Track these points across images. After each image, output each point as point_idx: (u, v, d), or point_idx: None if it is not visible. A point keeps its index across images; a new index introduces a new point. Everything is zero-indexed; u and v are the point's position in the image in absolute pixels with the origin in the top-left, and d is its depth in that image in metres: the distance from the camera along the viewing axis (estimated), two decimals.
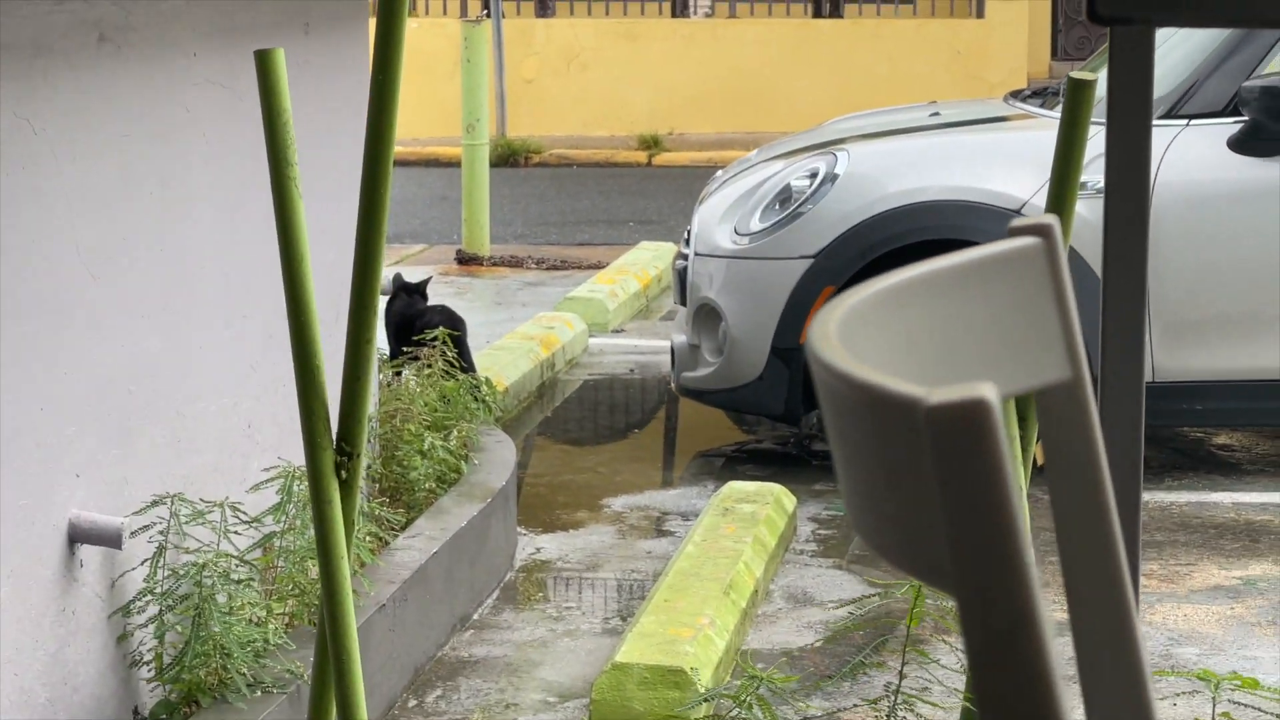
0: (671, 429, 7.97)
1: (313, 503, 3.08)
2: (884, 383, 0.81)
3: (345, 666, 3.07)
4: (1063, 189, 3.02)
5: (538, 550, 6.27)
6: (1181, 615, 5.62)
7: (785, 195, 7.06)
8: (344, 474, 3.12)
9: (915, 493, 0.84)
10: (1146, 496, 6.74)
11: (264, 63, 2.99)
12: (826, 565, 6.12)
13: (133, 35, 4.38)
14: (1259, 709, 4.17)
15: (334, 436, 3.07)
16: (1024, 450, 3.18)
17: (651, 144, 16.98)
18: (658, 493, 6.93)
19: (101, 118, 4.25)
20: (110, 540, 4.18)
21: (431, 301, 7.28)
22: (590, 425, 8.09)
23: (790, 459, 7.37)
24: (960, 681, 4.47)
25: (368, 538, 5.14)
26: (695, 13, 19.38)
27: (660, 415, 8.21)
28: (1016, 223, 1.10)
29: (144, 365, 4.45)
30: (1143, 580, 5.88)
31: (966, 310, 0.99)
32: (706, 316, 7.11)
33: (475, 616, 5.64)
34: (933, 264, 1.01)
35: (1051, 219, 1.10)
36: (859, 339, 0.88)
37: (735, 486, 6.40)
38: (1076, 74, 3.02)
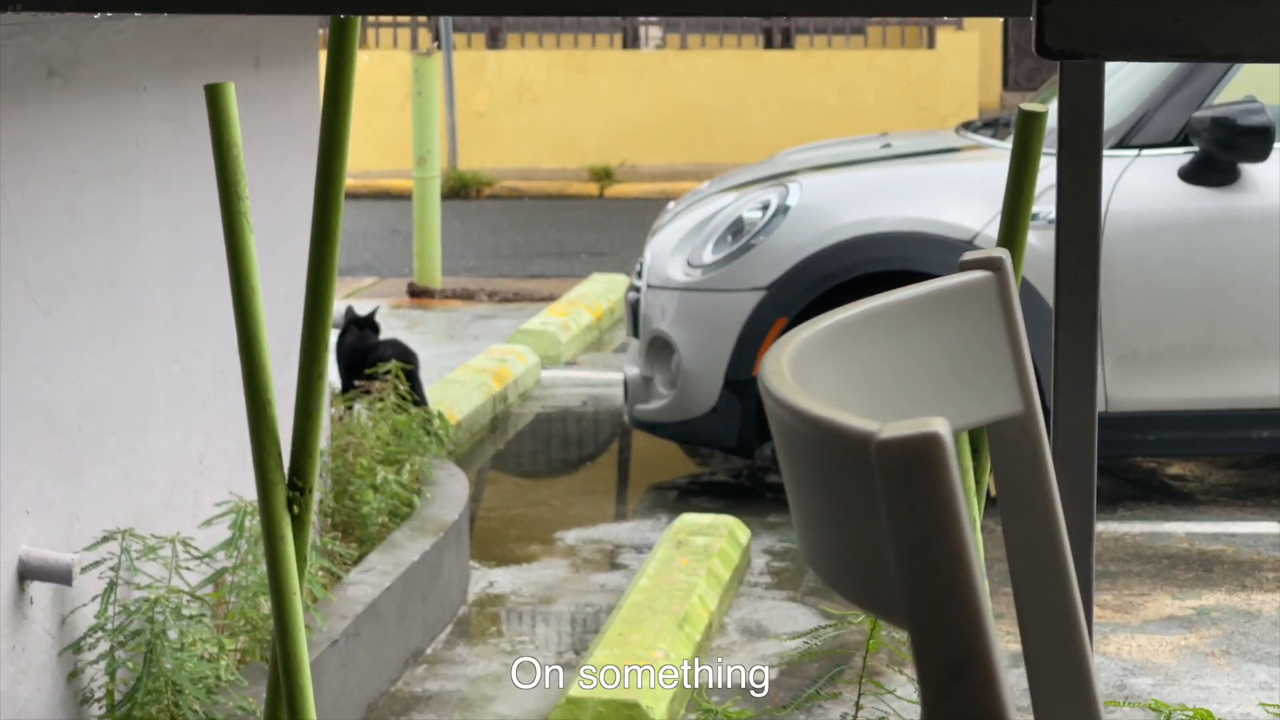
0: (624, 461, 7.97)
1: (264, 538, 3.08)
2: (835, 417, 0.82)
3: (298, 703, 3.07)
4: (1014, 220, 3.04)
5: (491, 584, 6.26)
6: (1135, 646, 5.64)
7: (738, 227, 7.08)
8: (296, 509, 3.12)
9: (866, 526, 0.85)
10: (1100, 527, 6.77)
11: (214, 96, 2.99)
12: (781, 598, 6.13)
13: (82, 69, 4.37)
14: None
15: (286, 471, 3.07)
16: (977, 482, 3.19)
17: (603, 176, 17.01)
18: (611, 526, 6.93)
19: (50, 152, 4.24)
20: (60, 577, 4.17)
21: (383, 335, 7.28)
22: (543, 458, 8.09)
23: (744, 491, 7.38)
24: (916, 712, 4.48)
25: (320, 572, 5.13)
26: (646, 44, 19.43)
27: (613, 448, 8.22)
28: (967, 256, 1.11)
29: (93, 400, 4.44)
30: (1097, 611, 5.90)
31: (919, 344, 1.00)
32: (659, 349, 7.12)
33: (429, 651, 5.63)
34: (885, 298, 1.02)
35: (1002, 253, 1.11)
36: (811, 373, 0.89)
37: (689, 519, 6.41)
38: (1027, 105, 3.04)
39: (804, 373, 0.87)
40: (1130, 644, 5.65)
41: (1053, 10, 1.16)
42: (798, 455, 0.86)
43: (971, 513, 3.21)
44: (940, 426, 0.79)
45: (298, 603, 3.12)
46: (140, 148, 4.67)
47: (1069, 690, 1.41)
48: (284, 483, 3.10)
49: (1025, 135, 3.06)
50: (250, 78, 5.25)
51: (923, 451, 0.80)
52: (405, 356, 6.89)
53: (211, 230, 5.09)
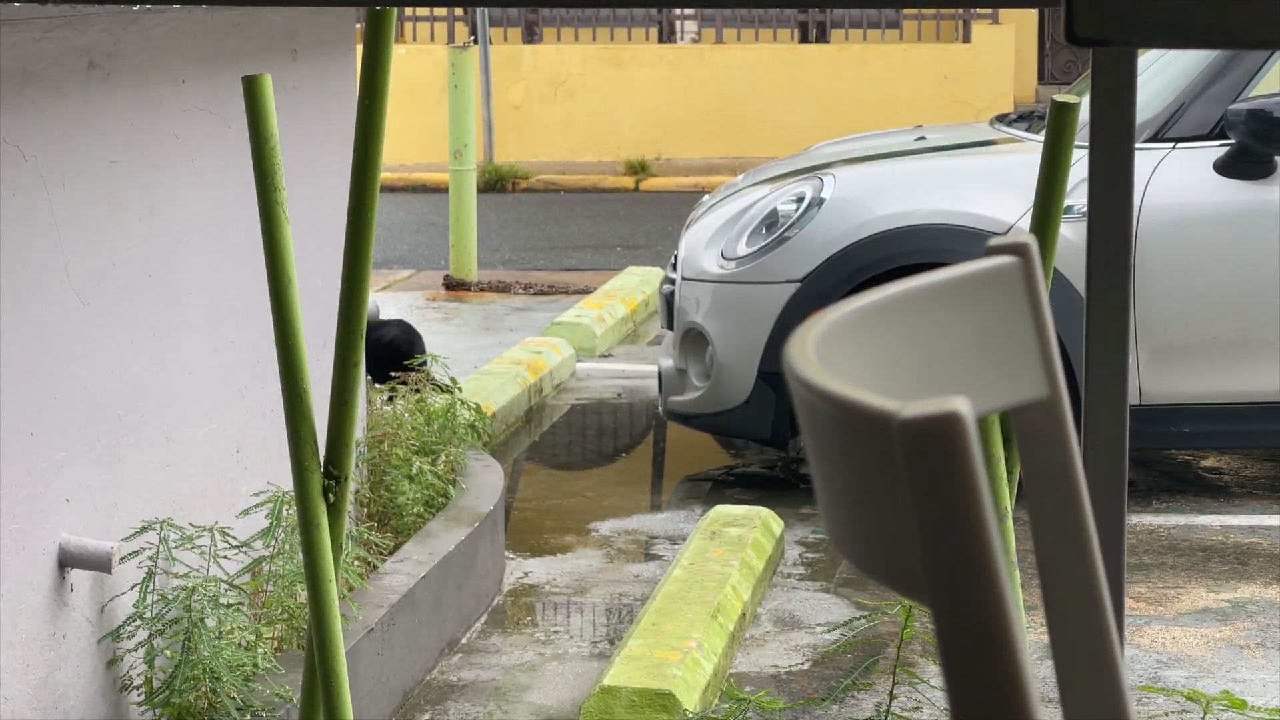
0: (659, 453, 7.99)
1: (300, 526, 3.11)
2: (857, 396, 0.84)
3: (334, 691, 3.10)
4: (1046, 212, 3.06)
5: (525, 574, 6.29)
6: (1170, 638, 5.64)
7: (772, 220, 7.09)
8: (331, 497, 3.14)
9: (889, 505, 0.87)
10: (1135, 519, 6.77)
11: (252, 88, 3.02)
12: (814, 588, 6.15)
13: (121, 62, 4.41)
14: None
15: (322, 460, 3.10)
16: (1009, 471, 3.20)
17: (639, 169, 17.02)
18: (645, 517, 6.95)
19: (91, 144, 4.28)
20: (100, 565, 4.21)
21: (421, 328, 7.31)
22: (578, 450, 8.11)
23: (778, 482, 7.40)
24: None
25: (356, 562, 5.17)
26: (682, 38, 19.43)
27: (648, 439, 8.24)
28: (994, 242, 1.13)
29: (133, 390, 4.48)
30: (1131, 603, 5.92)
31: (944, 328, 1.02)
32: (694, 341, 7.14)
33: (463, 640, 5.66)
34: (911, 282, 1.04)
35: (1029, 237, 1.13)
36: (837, 355, 0.90)
37: (722, 510, 6.43)
38: (1060, 97, 3.06)
39: (830, 354, 0.89)
40: (1165, 636, 5.66)
41: None
42: (821, 435, 0.88)
43: (1003, 503, 3.23)
44: (961, 405, 0.81)
45: (333, 590, 3.15)
46: (179, 140, 4.71)
47: (1095, 678, 1.42)
48: (319, 471, 3.13)
49: (1058, 127, 3.08)
50: (288, 70, 5.28)
51: (944, 430, 0.81)
52: (409, 334, 6.93)
53: (248, 223, 5.12)
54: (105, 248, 4.34)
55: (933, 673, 4.85)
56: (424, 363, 6.60)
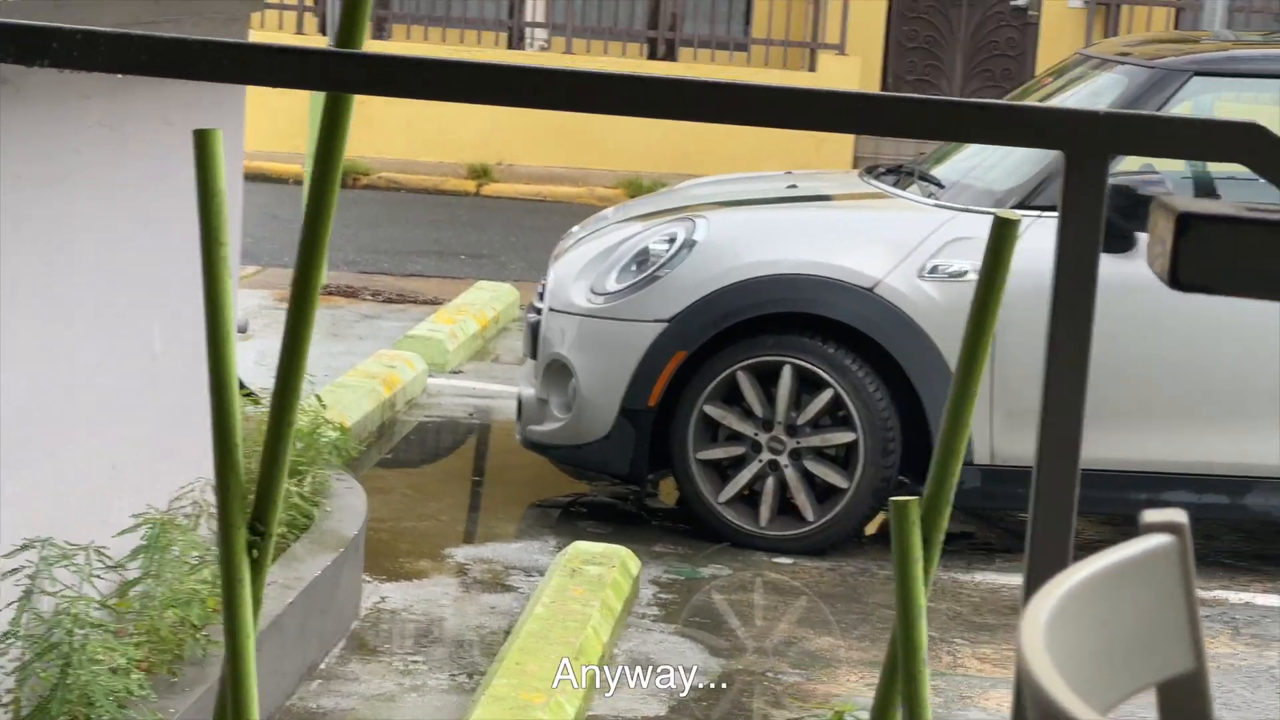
0: (511, 477, 8.00)
1: (223, 580, 3.10)
2: None
3: None
4: (981, 324, 3.13)
5: (383, 599, 6.29)
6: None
7: (643, 258, 7.15)
8: (255, 553, 3.15)
9: None
10: (980, 578, 6.92)
11: (202, 142, 3.01)
12: (669, 630, 6.21)
13: (32, 77, 4.36)
14: None
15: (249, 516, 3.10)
16: (927, 567, 3.25)
17: (480, 174, 17.02)
18: (499, 545, 6.98)
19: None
20: None
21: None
22: (430, 470, 8.11)
23: (629, 516, 7.45)
24: None
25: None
26: (531, 45, 19.43)
27: (499, 462, 8.26)
28: (1150, 518, 1.17)
29: (17, 408, 4.43)
30: (977, 664, 6.04)
31: (1118, 611, 1.06)
32: (557, 372, 7.18)
33: (322, 666, 5.66)
34: (1088, 569, 1.08)
35: (1182, 516, 1.18)
36: (1060, 643, 0.94)
37: (581, 547, 6.47)
38: (1002, 213, 3.13)
39: (1052, 645, 0.93)
40: (1009, 700, 5.77)
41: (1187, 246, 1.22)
42: None
43: (919, 599, 3.28)
44: None
45: (251, 645, 3.15)
46: (80, 155, 4.67)
47: None
48: (245, 527, 3.13)
49: (998, 244, 3.16)
50: (181, 86, 5.25)
51: None
52: None
53: (138, 241, 5.10)
54: (6, 264, 4.29)
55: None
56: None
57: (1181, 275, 1.05)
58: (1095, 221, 2.72)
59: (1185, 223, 1.06)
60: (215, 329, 3.06)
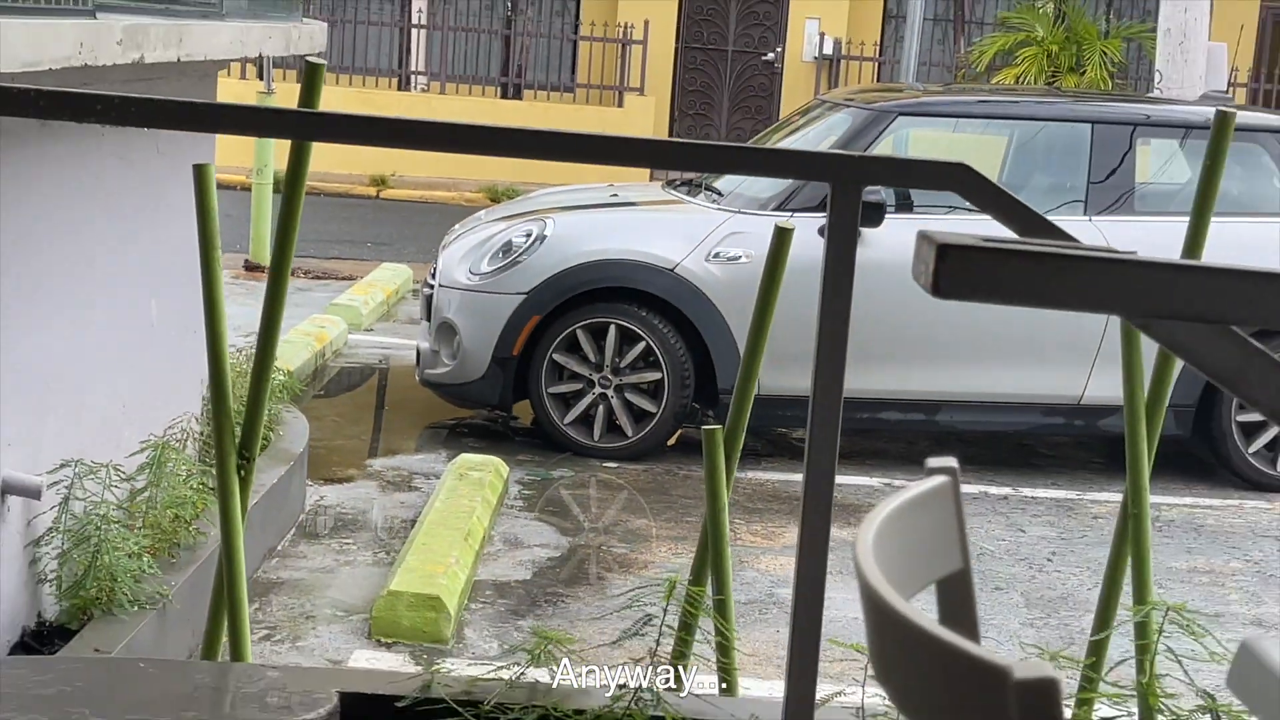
0: (411, 407, 7.99)
1: (219, 495, 3.12)
2: (968, 649, 0.92)
3: (236, 609, 3.12)
4: (767, 300, 3.20)
5: (321, 498, 6.26)
6: (779, 565, 5.86)
7: (507, 248, 7.15)
8: (243, 473, 3.15)
9: None
10: (751, 475, 7.00)
11: (200, 174, 3.01)
12: (530, 518, 6.24)
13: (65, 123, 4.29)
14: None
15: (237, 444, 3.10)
16: (727, 475, 3.31)
17: (380, 182, 16.86)
18: (405, 457, 6.97)
19: (39, 179, 4.17)
20: (32, 493, 4.11)
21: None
22: (352, 402, 8.07)
23: (498, 434, 7.46)
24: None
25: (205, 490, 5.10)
26: (415, 88, 19.24)
27: (401, 396, 8.23)
28: (932, 462, 1.23)
29: (55, 364, 4.38)
30: (747, 538, 6.13)
31: (916, 530, 1.12)
32: (446, 331, 7.17)
33: (279, 548, 5.63)
34: (900, 498, 1.13)
35: (953, 462, 1.23)
36: (881, 553, 0.99)
37: (466, 457, 6.48)
38: (781, 223, 3.20)
39: (879, 552, 0.98)
40: (774, 564, 5.87)
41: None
42: (928, 680, 0.92)
43: (723, 497, 3.34)
44: (1054, 672, 0.88)
45: (240, 540, 3.17)
46: (97, 178, 4.60)
47: None
48: (235, 454, 3.13)
49: (778, 244, 3.23)
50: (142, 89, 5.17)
51: (1048, 690, 0.89)
52: None
53: (141, 239, 5.02)
54: (42, 256, 4.23)
55: (615, 581, 4.95)
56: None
57: (941, 289, 1.10)
58: (853, 230, 2.81)
59: (944, 251, 1.12)
60: (211, 306, 3.06)
